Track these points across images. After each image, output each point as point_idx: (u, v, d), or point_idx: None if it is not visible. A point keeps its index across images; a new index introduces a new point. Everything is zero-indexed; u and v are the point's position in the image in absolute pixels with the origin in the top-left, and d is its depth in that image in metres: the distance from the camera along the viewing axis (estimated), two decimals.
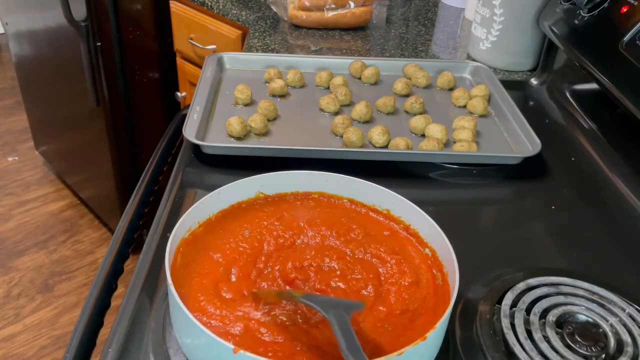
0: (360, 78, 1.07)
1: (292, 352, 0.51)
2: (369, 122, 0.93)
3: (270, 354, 0.50)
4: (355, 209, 0.69)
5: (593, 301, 0.60)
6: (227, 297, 0.56)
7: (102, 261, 0.71)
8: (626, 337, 0.56)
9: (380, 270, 0.61)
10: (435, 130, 0.88)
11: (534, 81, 1.13)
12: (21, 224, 2.31)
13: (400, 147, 0.84)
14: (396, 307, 0.56)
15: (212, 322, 0.53)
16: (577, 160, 0.91)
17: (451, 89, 1.05)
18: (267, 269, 0.60)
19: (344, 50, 1.26)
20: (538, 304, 0.59)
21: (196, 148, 0.84)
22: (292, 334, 0.52)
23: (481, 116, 0.97)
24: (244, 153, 0.83)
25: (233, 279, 0.58)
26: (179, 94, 1.83)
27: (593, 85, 0.97)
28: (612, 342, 0.56)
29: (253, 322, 0.53)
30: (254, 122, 0.87)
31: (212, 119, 0.92)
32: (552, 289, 0.61)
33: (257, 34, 1.32)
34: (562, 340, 0.56)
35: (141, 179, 0.87)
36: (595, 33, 0.90)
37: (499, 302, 0.60)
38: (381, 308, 0.56)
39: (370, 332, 0.54)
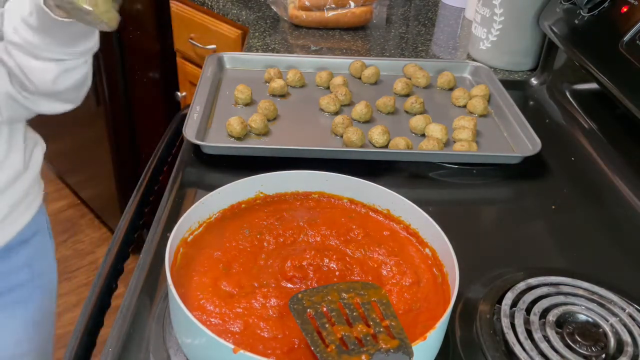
0: (360, 78, 1.07)
1: (291, 348, 0.51)
2: (369, 122, 0.93)
3: (269, 351, 0.50)
4: (355, 209, 0.69)
5: (593, 301, 0.60)
6: (226, 290, 0.56)
7: (102, 261, 0.71)
8: (626, 337, 0.56)
9: (381, 271, 0.60)
10: (435, 130, 0.88)
11: (534, 81, 1.12)
12: None
13: (400, 147, 0.84)
14: (399, 307, 0.56)
15: (212, 320, 0.53)
16: (577, 160, 0.91)
17: (451, 89, 1.05)
18: (266, 266, 0.60)
19: (344, 50, 1.26)
20: (538, 303, 0.59)
21: (196, 148, 0.84)
22: (291, 330, 0.52)
23: (481, 116, 0.97)
24: (244, 153, 0.83)
25: (233, 273, 0.58)
26: (179, 94, 1.83)
27: (593, 85, 0.97)
28: (612, 342, 0.56)
29: (252, 318, 0.53)
30: (254, 122, 0.87)
31: (212, 119, 0.92)
32: (552, 289, 0.61)
33: (257, 33, 1.32)
34: (562, 340, 0.56)
35: (141, 179, 0.87)
36: (595, 33, 0.90)
37: (499, 301, 0.60)
38: None
39: None
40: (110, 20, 0.64)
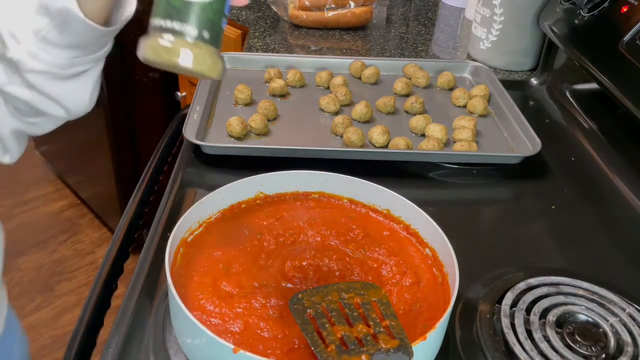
0: (360, 78, 1.07)
1: (291, 348, 0.51)
2: (369, 122, 0.93)
3: (269, 351, 0.50)
4: (355, 209, 0.69)
5: (593, 301, 0.60)
6: (226, 290, 0.56)
7: (102, 261, 0.71)
8: (626, 337, 0.56)
9: (381, 271, 0.60)
10: (435, 130, 0.88)
11: (534, 81, 1.12)
12: (21, 224, 2.31)
13: (400, 147, 0.84)
14: (399, 307, 0.56)
15: (212, 320, 0.53)
16: (577, 160, 0.91)
17: (451, 89, 1.05)
18: (266, 266, 0.60)
19: (344, 50, 1.26)
20: (538, 303, 0.59)
21: (196, 148, 0.84)
22: (291, 330, 0.52)
23: (481, 116, 0.97)
24: (244, 153, 0.83)
25: (233, 273, 0.58)
26: (179, 94, 1.83)
27: (593, 85, 0.97)
28: (612, 342, 0.56)
29: (252, 318, 0.53)
30: (254, 122, 0.87)
31: (212, 119, 0.92)
32: (552, 289, 0.61)
33: (257, 33, 1.32)
34: (562, 340, 0.56)
35: (141, 179, 0.87)
36: (595, 33, 0.90)
37: (499, 301, 0.60)
38: None
39: None
40: (219, 74, 0.51)
